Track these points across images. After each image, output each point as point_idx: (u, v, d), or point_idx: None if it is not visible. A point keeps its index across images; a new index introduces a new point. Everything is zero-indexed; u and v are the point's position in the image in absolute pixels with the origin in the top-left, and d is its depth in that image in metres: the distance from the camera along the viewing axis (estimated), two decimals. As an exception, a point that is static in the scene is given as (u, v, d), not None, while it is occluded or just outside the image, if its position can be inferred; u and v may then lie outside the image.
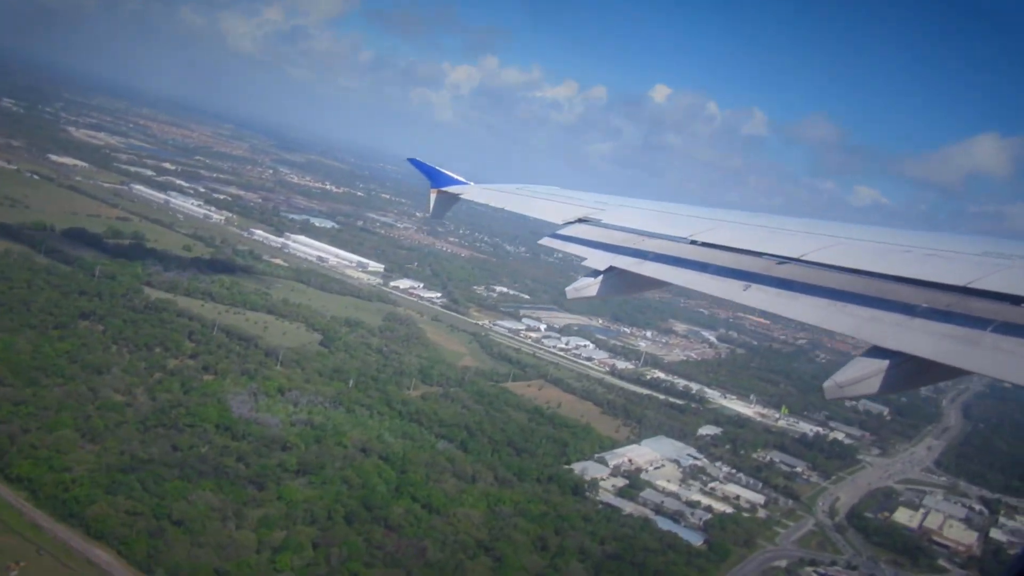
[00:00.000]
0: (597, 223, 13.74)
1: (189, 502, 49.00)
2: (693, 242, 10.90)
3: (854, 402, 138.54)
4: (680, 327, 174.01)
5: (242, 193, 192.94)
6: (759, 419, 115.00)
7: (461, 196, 19.37)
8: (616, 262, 11.33)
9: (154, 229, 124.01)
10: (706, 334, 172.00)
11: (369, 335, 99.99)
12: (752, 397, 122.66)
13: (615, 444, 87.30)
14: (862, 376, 6.78)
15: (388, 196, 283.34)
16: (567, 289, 11.66)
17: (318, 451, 61.57)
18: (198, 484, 51.24)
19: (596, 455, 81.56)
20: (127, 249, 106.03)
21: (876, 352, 6.88)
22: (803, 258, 9.07)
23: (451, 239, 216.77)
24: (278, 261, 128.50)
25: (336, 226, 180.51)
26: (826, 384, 6.85)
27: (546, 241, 13.74)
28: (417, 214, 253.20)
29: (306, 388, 74.26)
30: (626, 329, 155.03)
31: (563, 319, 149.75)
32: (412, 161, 21.10)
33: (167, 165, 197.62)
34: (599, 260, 11.66)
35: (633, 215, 14.14)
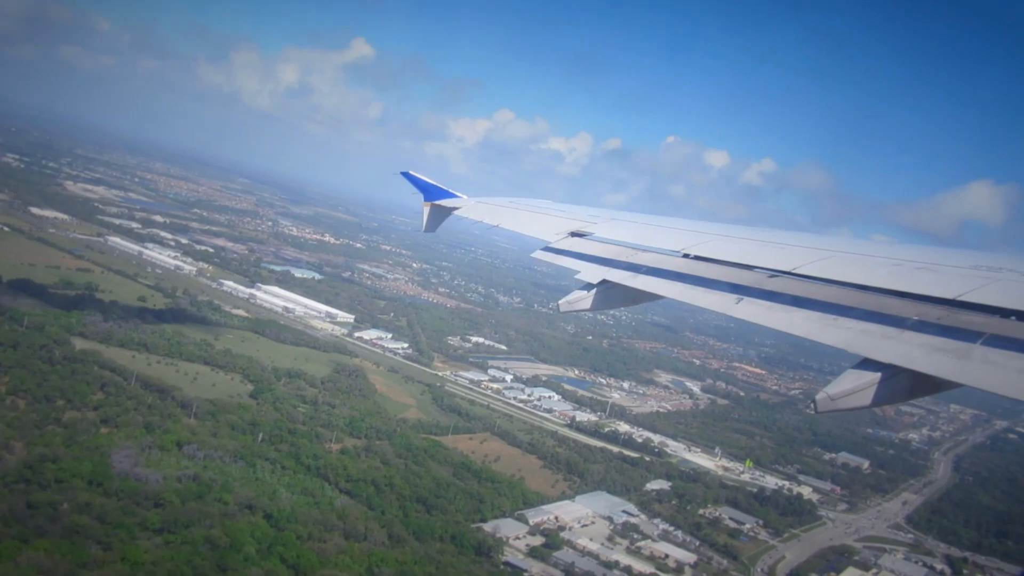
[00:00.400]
0: (590, 236, 13.89)
1: (16, 564, 46.83)
2: (686, 255, 11.11)
3: (833, 454, 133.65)
4: (664, 377, 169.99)
5: (229, 244, 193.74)
6: (720, 472, 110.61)
7: (455, 210, 19.53)
8: (609, 275, 11.45)
9: (113, 280, 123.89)
10: (690, 384, 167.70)
11: (307, 386, 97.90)
12: (717, 450, 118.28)
13: (544, 500, 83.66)
14: (854, 388, 6.81)
15: (389, 247, 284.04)
16: (560, 302, 11.72)
17: (195, 508, 59.11)
18: (35, 544, 49.08)
19: (517, 512, 77.98)
20: (73, 299, 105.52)
21: (868, 364, 6.93)
22: (795, 271, 9.21)
23: (442, 289, 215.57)
24: (240, 312, 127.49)
25: (319, 277, 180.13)
26: (818, 396, 6.88)
27: (539, 254, 13.81)
28: (414, 265, 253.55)
29: (209, 442, 72.06)
30: (603, 380, 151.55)
31: (537, 369, 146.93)
32: (405, 175, 21.34)
33: (157, 218, 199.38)
34: (592, 273, 11.77)
35: (626, 229, 14.44)
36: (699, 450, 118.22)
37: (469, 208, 19.32)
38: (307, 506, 65.56)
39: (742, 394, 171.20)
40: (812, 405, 7.01)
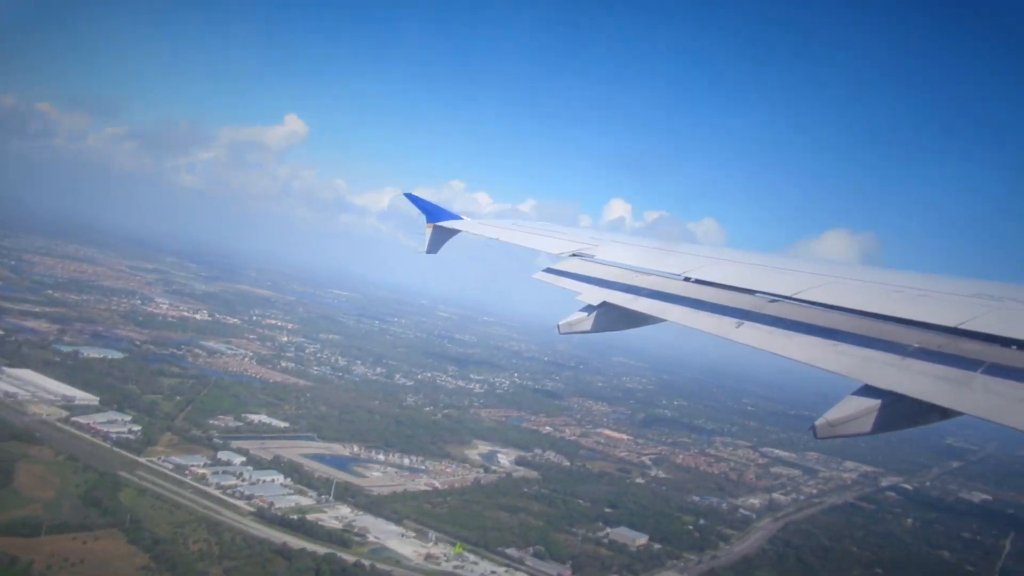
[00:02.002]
0: (591, 258, 14.13)
1: None
2: (687, 279, 11.35)
3: (611, 529, 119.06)
4: (480, 449, 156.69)
5: (41, 325, 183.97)
6: (419, 561, 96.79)
7: (458, 230, 20.42)
8: (610, 297, 11.77)
9: None
10: (504, 456, 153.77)
11: None
12: (431, 535, 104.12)
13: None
14: (854, 415, 6.93)
15: (274, 321, 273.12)
16: (560, 324, 11.99)
17: None
18: None
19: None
20: None
21: (868, 391, 7.06)
22: (796, 296, 9.36)
23: (286, 365, 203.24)
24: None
25: (119, 356, 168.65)
26: (818, 423, 7.05)
27: (540, 276, 14.03)
28: (284, 339, 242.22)
29: None
30: (382, 456, 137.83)
31: (306, 449, 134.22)
32: (408, 196, 21.81)
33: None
34: (593, 295, 12.17)
35: (627, 251, 14.67)
36: (414, 535, 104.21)
37: (471, 226, 20.07)
38: None
39: (567, 464, 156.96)
40: (812, 431, 7.13)
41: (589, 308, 11.72)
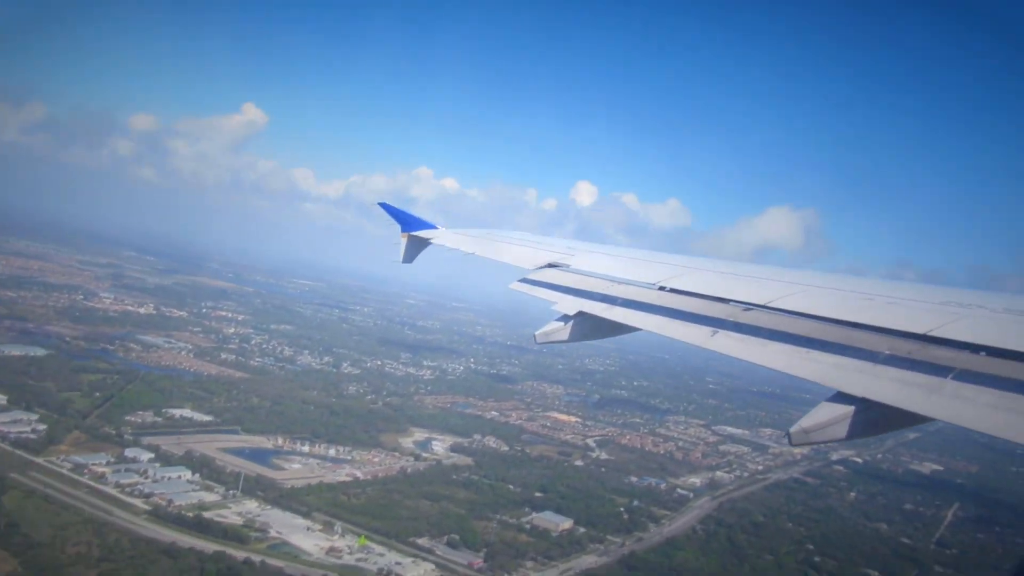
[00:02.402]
0: (567, 268, 14.36)
1: None
2: (661, 288, 11.48)
3: (537, 514, 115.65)
4: (416, 436, 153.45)
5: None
6: (320, 555, 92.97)
7: (431, 241, 20.02)
8: (585, 307, 11.89)
9: None
10: (439, 443, 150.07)
11: None
12: (338, 527, 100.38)
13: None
14: (828, 421, 6.95)
15: (226, 313, 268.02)
16: (536, 333, 12.07)
17: None
18: None
19: None
20: None
21: (841, 398, 7.11)
22: (769, 304, 9.50)
23: (226, 357, 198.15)
24: None
25: (41, 353, 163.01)
26: (792, 430, 7.02)
27: (516, 286, 14.24)
28: (231, 331, 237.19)
29: None
30: (306, 448, 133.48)
31: (226, 442, 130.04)
32: (383, 205, 21.84)
33: None
34: (569, 305, 12.23)
35: (603, 261, 14.62)
36: (320, 528, 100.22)
37: (445, 237, 19.78)
38: None
39: (505, 449, 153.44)
40: (787, 438, 7.04)
41: (565, 318, 11.83)
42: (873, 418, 6.94)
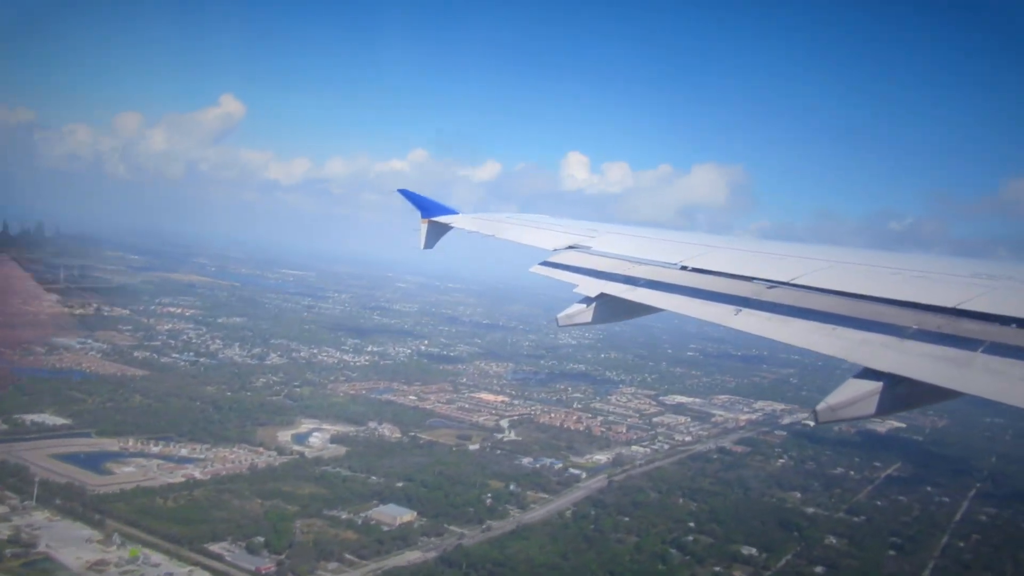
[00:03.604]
0: (587, 250, 14.15)
1: None
2: (683, 267, 11.34)
3: (369, 513, 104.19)
4: (302, 427, 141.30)
5: None
6: (82, 571, 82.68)
7: (452, 225, 20.05)
8: (607, 288, 11.64)
9: None
10: (322, 433, 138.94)
11: None
12: (115, 536, 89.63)
13: None
14: (856, 398, 6.74)
15: (176, 309, 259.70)
16: (558, 316, 11.94)
17: None
18: None
19: None
20: None
21: (869, 374, 6.89)
22: (793, 282, 9.33)
23: (140, 355, 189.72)
24: None
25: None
26: (819, 407, 6.77)
27: (537, 269, 14.04)
28: (167, 326, 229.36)
29: None
30: (157, 448, 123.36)
31: (65, 448, 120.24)
32: (403, 192, 21.78)
33: None
34: (590, 287, 12.02)
35: (623, 241, 14.57)
36: (99, 540, 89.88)
37: (465, 222, 19.86)
38: None
39: (397, 436, 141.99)
40: (813, 415, 6.80)
41: (587, 300, 11.72)
42: (901, 394, 6.69)
